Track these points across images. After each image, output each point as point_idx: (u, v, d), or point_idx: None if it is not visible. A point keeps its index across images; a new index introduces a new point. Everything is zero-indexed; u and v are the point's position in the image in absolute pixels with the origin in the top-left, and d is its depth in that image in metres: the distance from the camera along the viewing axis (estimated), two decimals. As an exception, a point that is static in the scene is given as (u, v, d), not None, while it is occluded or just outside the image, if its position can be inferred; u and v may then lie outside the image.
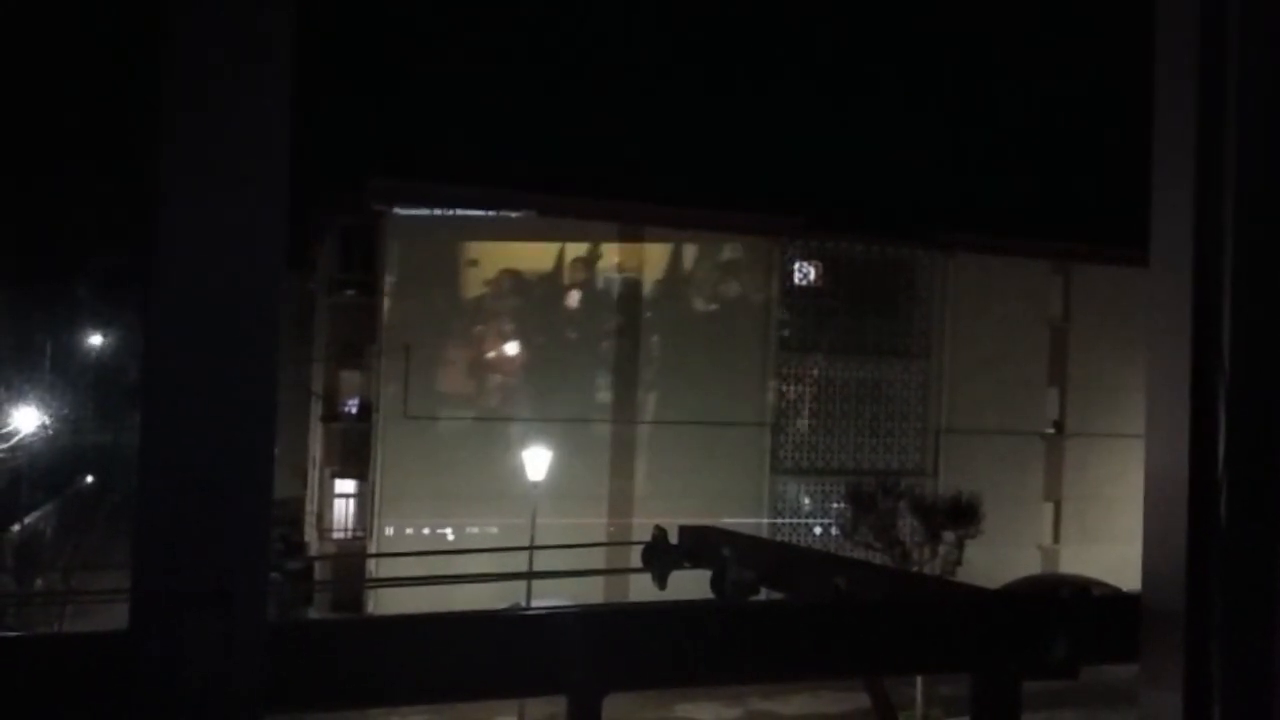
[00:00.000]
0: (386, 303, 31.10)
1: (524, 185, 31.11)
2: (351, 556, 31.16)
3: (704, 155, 44.00)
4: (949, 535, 27.45)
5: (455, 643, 1.94)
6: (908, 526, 28.32)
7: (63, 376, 43.23)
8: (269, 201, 1.58)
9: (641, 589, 4.01)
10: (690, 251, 33.80)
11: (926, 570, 24.84)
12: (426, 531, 29.68)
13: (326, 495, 34.13)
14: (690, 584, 3.49)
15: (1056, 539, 36.78)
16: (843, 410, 35.09)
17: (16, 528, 31.09)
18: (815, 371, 34.81)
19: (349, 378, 33.96)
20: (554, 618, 2.12)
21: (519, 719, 19.94)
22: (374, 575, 30.31)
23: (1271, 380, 2.02)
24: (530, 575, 15.63)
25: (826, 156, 47.12)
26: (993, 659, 2.22)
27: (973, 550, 27.25)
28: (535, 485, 26.36)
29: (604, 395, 32.67)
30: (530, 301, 32.38)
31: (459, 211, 31.35)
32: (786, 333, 34.36)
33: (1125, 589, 2.79)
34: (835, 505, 32.55)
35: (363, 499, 32.39)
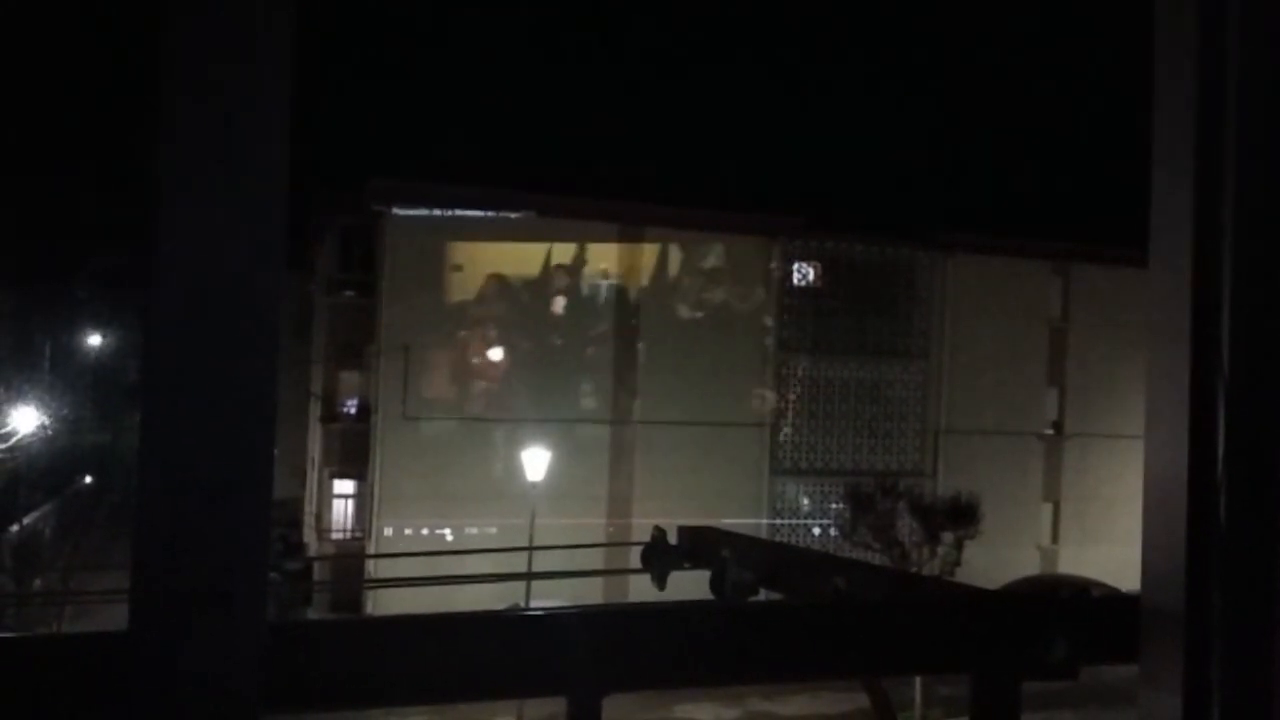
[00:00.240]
0: (385, 303, 31.10)
1: (523, 185, 31.12)
2: (350, 557, 31.16)
3: (704, 155, 44.06)
4: (948, 536, 27.46)
5: (454, 643, 1.94)
6: (907, 527, 28.32)
7: (62, 377, 43.24)
8: (269, 201, 1.58)
9: (641, 590, 4.01)
10: (690, 251, 33.81)
11: (925, 571, 24.86)
12: (425, 532, 29.68)
13: (325, 496, 34.13)
14: (689, 585, 3.49)
15: (1055, 539, 36.79)
16: (842, 411, 35.09)
17: (15, 528, 31.08)
18: (814, 372, 34.81)
19: (348, 378, 33.96)
20: (553, 618, 2.11)
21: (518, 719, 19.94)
22: (373, 576, 30.32)
23: (1271, 380, 2.02)
24: (530, 576, 15.63)
25: (826, 156, 47.15)
26: (992, 659, 2.22)
27: (972, 551, 27.25)
28: (534, 486, 26.37)
29: (603, 395, 32.68)
30: (529, 302, 32.38)
31: (458, 212, 31.35)
32: (785, 333, 34.36)
33: (1124, 589, 2.79)
34: (834, 506, 32.55)
35: (362, 499, 32.40)
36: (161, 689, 1.52)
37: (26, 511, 33.64)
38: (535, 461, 26.71)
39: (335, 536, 33.05)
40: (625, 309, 32.89)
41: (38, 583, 27.16)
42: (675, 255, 33.68)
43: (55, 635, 9.53)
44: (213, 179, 1.55)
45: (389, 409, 30.74)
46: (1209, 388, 2.01)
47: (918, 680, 22.07)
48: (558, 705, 2.01)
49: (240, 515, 1.56)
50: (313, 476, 37.16)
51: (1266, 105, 2.01)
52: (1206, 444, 2.01)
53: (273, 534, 1.74)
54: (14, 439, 34.38)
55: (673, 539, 3.96)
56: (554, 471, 27.26)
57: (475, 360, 31.92)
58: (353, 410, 33.53)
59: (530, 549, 20.64)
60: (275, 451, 1.65)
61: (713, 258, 34.02)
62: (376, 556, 29.31)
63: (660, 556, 3.90)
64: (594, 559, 22.27)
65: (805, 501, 34.46)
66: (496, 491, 29.32)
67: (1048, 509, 36.96)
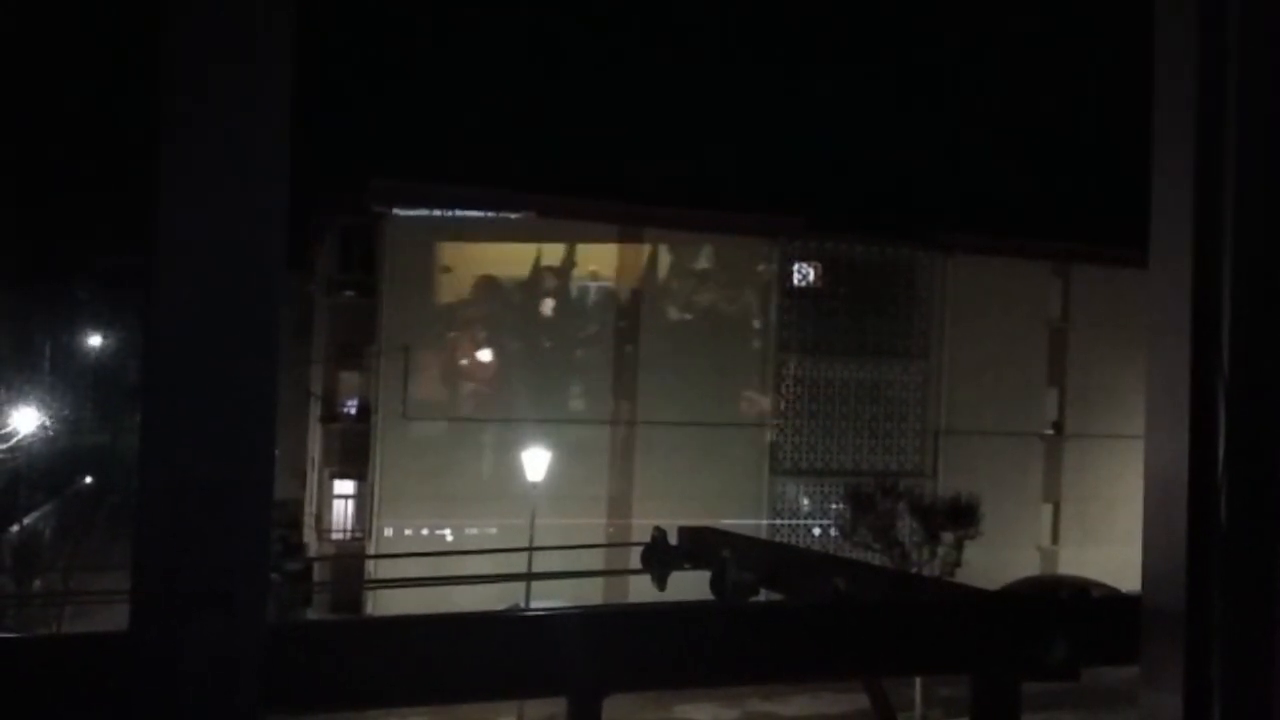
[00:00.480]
0: (385, 304, 31.10)
1: (523, 186, 31.12)
2: (351, 557, 31.15)
3: (703, 156, 44.06)
4: (948, 536, 27.44)
5: (455, 644, 1.94)
6: (907, 527, 28.31)
7: (62, 377, 43.25)
8: (269, 201, 1.58)
9: (641, 590, 4.01)
10: (689, 252, 33.81)
11: (925, 571, 24.84)
12: (425, 532, 29.67)
13: (325, 496, 34.13)
14: (690, 585, 3.49)
15: (1056, 540, 36.78)
16: (842, 411, 35.09)
17: (16, 528, 31.07)
18: (814, 372, 34.80)
19: (348, 378, 33.95)
20: (554, 619, 2.12)
21: (518, 720, 19.92)
22: (373, 576, 30.30)
23: (1271, 381, 2.02)
24: (530, 576, 15.62)
25: (826, 156, 47.13)
26: (992, 660, 2.22)
27: (972, 551, 27.24)
28: (534, 486, 26.36)
29: (602, 396, 32.67)
30: (529, 302, 32.38)
31: (459, 213, 31.35)
32: (785, 333, 34.35)
33: (1125, 590, 2.79)
34: (834, 506, 32.54)
35: (362, 500, 32.39)
36: (162, 689, 1.52)
37: (27, 512, 33.63)
38: (535, 462, 26.69)
39: (335, 537, 33.04)
40: (625, 309, 32.89)
41: (38, 583, 27.14)
42: (675, 256, 33.68)
43: (55, 636, 9.53)
44: (213, 179, 1.55)
45: (389, 409, 30.74)
46: (1209, 388, 2.01)
47: (918, 681, 22.06)
48: (558, 706, 2.01)
49: (240, 515, 1.56)
50: (313, 477, 37.16)
51: (1266, 105, 2.01)
52: (1206, 444, 2.01)
53: (273, 534, 1.74)
54: (14, 439, 34.37)
55: (673, 539, 3.97)
56: (554, 472, 27.25)
57: (475, 361, 31.92)
58: (353, 410, 33.53)
59: (530, 549, 20.64)
60: (275, 452, 1.65)
61: (712, 258, 34.02)
62: (377, 557, 29.31)
63: (660, 557, 3.90)
64: (594, 559, 22.27)
65: (805, 502, 34.45)
66: (496, 492, 29.32)
67: (1048, 509, 36.95)
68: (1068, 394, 36.97)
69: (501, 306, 31.94)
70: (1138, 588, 2.13)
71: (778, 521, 33.68)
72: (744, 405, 33.89)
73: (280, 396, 1.62)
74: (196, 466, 1.53)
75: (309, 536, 35.25)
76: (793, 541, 31.10)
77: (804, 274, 34.93)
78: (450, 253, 31.63)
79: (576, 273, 32.82)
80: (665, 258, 33.49)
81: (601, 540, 28.44)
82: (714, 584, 3.39)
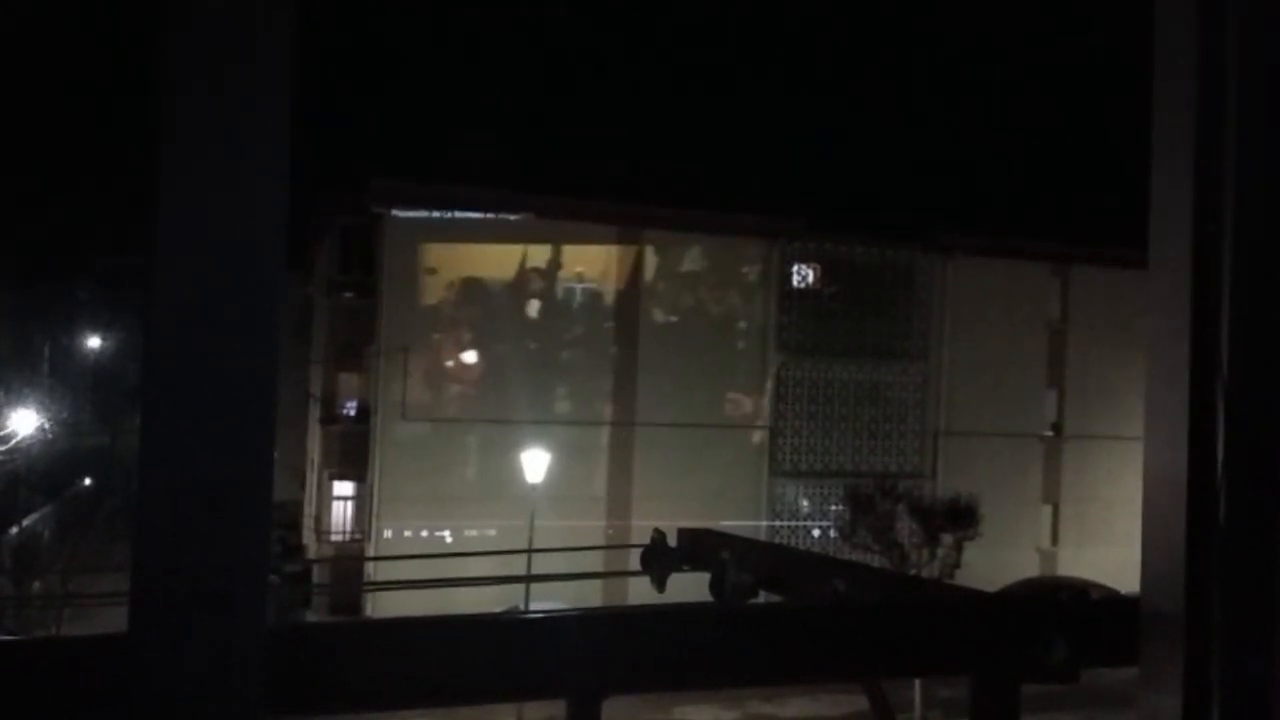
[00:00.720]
0: (385, 305, 31.09)
1: (523, 187, 31.13)
2: (350, 559, 31.14)
3: (704, 157, 44.08)
4: (947, 538, 27.46)
5: (454, 646, 1.94)
6: (906, 529, 28.32)
7: (62, 378, 43.24)
8: (269, 201, 1.58)
9: (641, 592, 4.01)
10: (689, 253, 33.82)
11: (925, 573, 24.85)
12: (425, 534, 29.67)
13: (325, 497, 34.12)
14: (689, 587, 3.49)
15: (1055, 541, 36.78)
16: (841, 412, 35.09)
17: (15, 530, 31.07)
18: (814, 373, 34.81)
19: (347, 380, 33.95)
20: (553, 621, 2.12)
21: (517, 721, 19.90)
22: (372, 578, 30.29)
23: (1270, 382, 2.02)
24: (529, 578, 15.63)
25: (826, 157, 47.16)
26: (992, 662, 2.22)
27: (971, 552, 27.26)
28: (534, 487, 26.36)
29: (602, 397, 32.66)
30: (529, 303, 32.38)
31: (459, 213, 31.35)
32: (785, 334, 34.36)
33: (1124, 591, 2.79)
34: (834, 507, 32.55)
35: (361, 501, 32.38)
36: (161, 692, 1.52)
37: (26, 513, 33.63)
38: (535, 463, 26.69)
39: (334, 538, 33.03)
40: (623, 311, 32.89)
41: (37, 585, 27.14)
42: (675, 257, 33.69)
43: (54, 638, 9.53)
44: (213, 179, 1.55)
45: (389, 410, 30.73)
46: (1208, 388, 2.01)
47: (917, 682, 22.06)
48: (557, 708, 2.01)
49: (240, 516, 1.56)
50: (312, 478, 37.15)
51: (1266, 105, 2.01)
52: (1206, 445, 2.01)
53: (272, 536, 1.74)
54: (13, 441, 34.37)
55: (672, 541, 3.97)
56: (554, 473, 27.26)
57: (475, 362, 31.92)
58: (352, 412, 33.52)
59: (530, 551, 20.64)
60: (275, 453, 1.64)
61: (712, 259, 34.03)
62: (376, 559, 29.30)
63: (660, 559, 3.90)
64: (594, 561, 22.29)
65: (804, 503, 34.44)
66: (496, 493, 29.32)
67: (1047, 510, 36.96)
68: (1067, 395, 36.98)
69: (500, 308, 31.93)
70: (1137, 589, 2.13)
71: (777, 523, 33.68)
72: (743, 406, 33.90)
73: (280, 397, 1.62)
74: (196, 467, 1.53)
75: (308, 538, 35.25)
76: (792, 543, 31.11)
77: (803, 275, 34.94)
78: (450, 253, 31.62)
79: (574, 274, 32.83)
80: (665, 259, 33.49)
81: (601, 542, 28.46)
82: (713, 586, 3.39)
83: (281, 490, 35.84)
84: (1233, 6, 2.00)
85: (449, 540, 29.57)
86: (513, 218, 31.42)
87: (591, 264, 32.86)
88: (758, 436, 34.04)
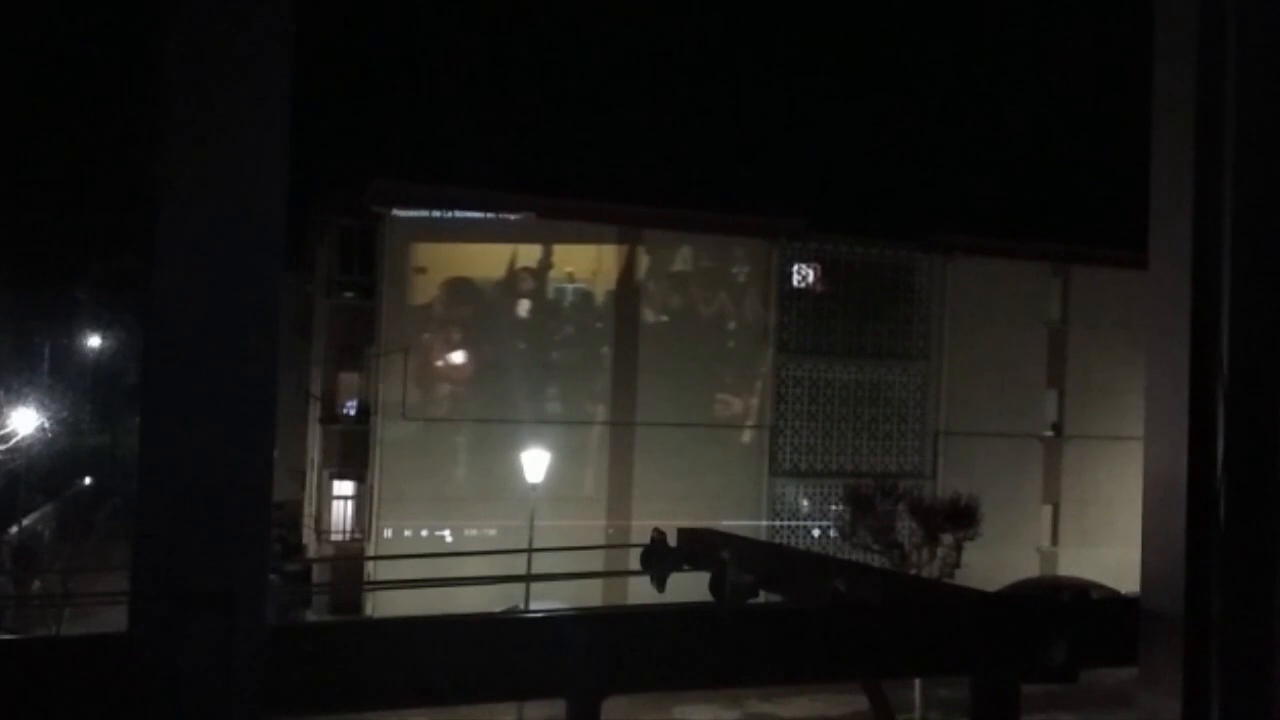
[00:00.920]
0: (385, 305, 31.09)
1: (523, 187, 31.13)
2: (350, 559, 31.14)
3: (704, 157, 44.09)
4: (947, 537, 27.44)
5: (453, 646, 1.94)
6: (906, 529, 28.31)
7: (62, 378, 43.22)
8: (269, 201, 1.58)
9: (640, 591, 4.01)
10: (689, 253, 33.80)
11: (925, 573, 24.84)
12: (425, 533, 29.67)
13: (325, 497, 34.12)
14: (689, 587, 3.49)
15: (1055, 541, 36.78)
16: (841, 412, 35.09)
17: (15, 529, 31.06)
18: (814, 373, 34.81)
19: (347, 380, 33.95)
20: (553, 621, 2.12)
21: (517, 721, 19.89)
22: (372, 577, 30.29)
23: (1270, 382, 2.02)
24: (529, 578, 15.62)
25: (826, 159, 47.16)
26: (992, 662, 2.22)
27: (971, 552, 27.25)
28: (534, 487, 26.35)
29: (603, 397, 32.66)
30: (529, 303, 32.38)
31: (458, 214, 31.35)
32: (785, 335, 34.36)
33: (1124, 591, 2.79)
34: (834, 507, 32.54)
35: (361, 501, 32.38)
36: (161, 691, 1.52)
37: (26, 513, 33.62)
38: (535, 463, 26.68)
39: (334, 538, 33.02)
40: (623, 311, 32.88)
41: (37, 584, 27.14)
42: (674, 257, 33.68)
43: (54, 637, 9.52)
44: (213, 179, 1.55)
45: (388, 410, 30.72)
46: (1208, 389, 2.01)
47: (917, 682, 22.07)
48: (557, 708, 2.01)
49: (240, 516, 1.56)
50: (312, 478, 37.15)
51: (1266, 105, 2.01)
52: (1206, 445, 2.01)
53: (272, 536, 1.74)
54: (13, 440, 34.36)
55: (672, 541, 3.96)
56: (554, 473, 27.25)
57: (475, 362, 31.91)
58: (352, 411, 33.53)
59: (530, 551, 20.63)
60: (275, 453, 1.64)
61: (712, 259, 34.02)
62: (376, 558, 29.28)
63: (660, 558, 3.90)
64: (594, 561, 22.28)
65: (805, 503, 34.44)
66: (496, 493, 29.32)
67: (1047, 511, 36.95)
68: (1067, 395, 36.98)
69: (500, 307, 31.93)
70: (1137, 589, 2.13)
71: (777, 523, 33.68)
72: (743, 406, 33.89)
73: (279, 397, 1.62)
74: (196, 467, 1.53)
75: (308, 538, 35.26)
76: (792, 543, 31.11)
77: (803, 275, 34.93)
78: (449, 253, 31.61)
79: (573, 274, 32.82)
80: (665, 259, 33.48)
81: (601, 541, 28.45)
82: (713, 586, 3.39)
83: (281, 490, 35.86)
84: (1233, 6, 2.00)
85: (449, 540, 29.56)
86: (512, 218, 31.42)
87: (591, 264, 32.85)
88: (758, 436, 34.03)
